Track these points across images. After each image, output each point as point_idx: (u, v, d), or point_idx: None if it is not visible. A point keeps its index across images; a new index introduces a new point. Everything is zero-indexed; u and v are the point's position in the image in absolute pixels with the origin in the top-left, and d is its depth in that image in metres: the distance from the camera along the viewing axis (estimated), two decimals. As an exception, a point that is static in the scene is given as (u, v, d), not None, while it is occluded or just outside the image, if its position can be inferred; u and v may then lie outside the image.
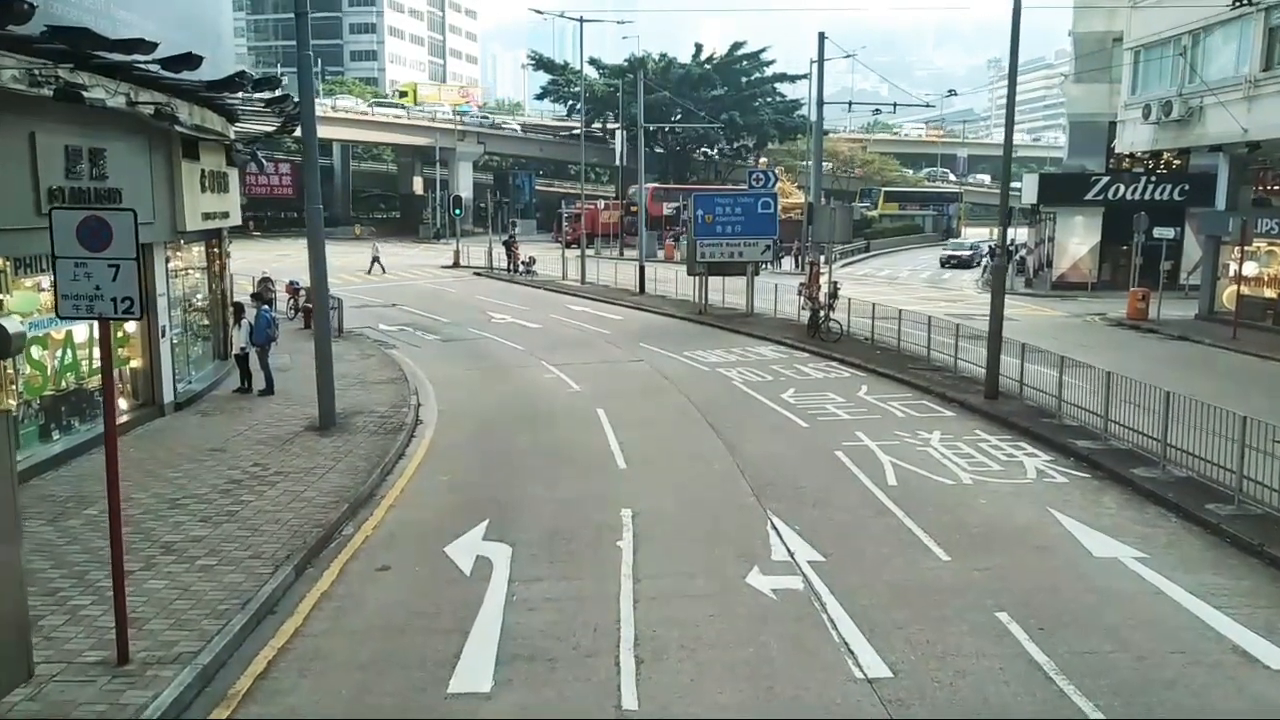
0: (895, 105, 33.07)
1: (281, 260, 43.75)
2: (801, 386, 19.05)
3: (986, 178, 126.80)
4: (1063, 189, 40.42)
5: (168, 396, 16.20)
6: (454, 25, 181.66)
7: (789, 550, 10.13)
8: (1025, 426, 15.38)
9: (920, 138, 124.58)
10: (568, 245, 70.43)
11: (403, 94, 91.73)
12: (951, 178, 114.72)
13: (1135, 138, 29.58)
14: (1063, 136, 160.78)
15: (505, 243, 45.58)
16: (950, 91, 48.48)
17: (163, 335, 15.95)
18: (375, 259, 45.79)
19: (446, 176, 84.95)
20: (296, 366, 20.84)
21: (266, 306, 17.51)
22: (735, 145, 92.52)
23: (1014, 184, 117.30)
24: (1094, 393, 15.08)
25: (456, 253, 49.63)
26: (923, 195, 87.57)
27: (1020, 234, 52.66)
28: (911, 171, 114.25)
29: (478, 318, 30.01)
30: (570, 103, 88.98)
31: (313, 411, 15.68)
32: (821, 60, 31.22)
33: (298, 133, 18.81)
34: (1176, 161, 39.96)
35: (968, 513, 11.41)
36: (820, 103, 30.46)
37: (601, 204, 66.07)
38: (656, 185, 72.38)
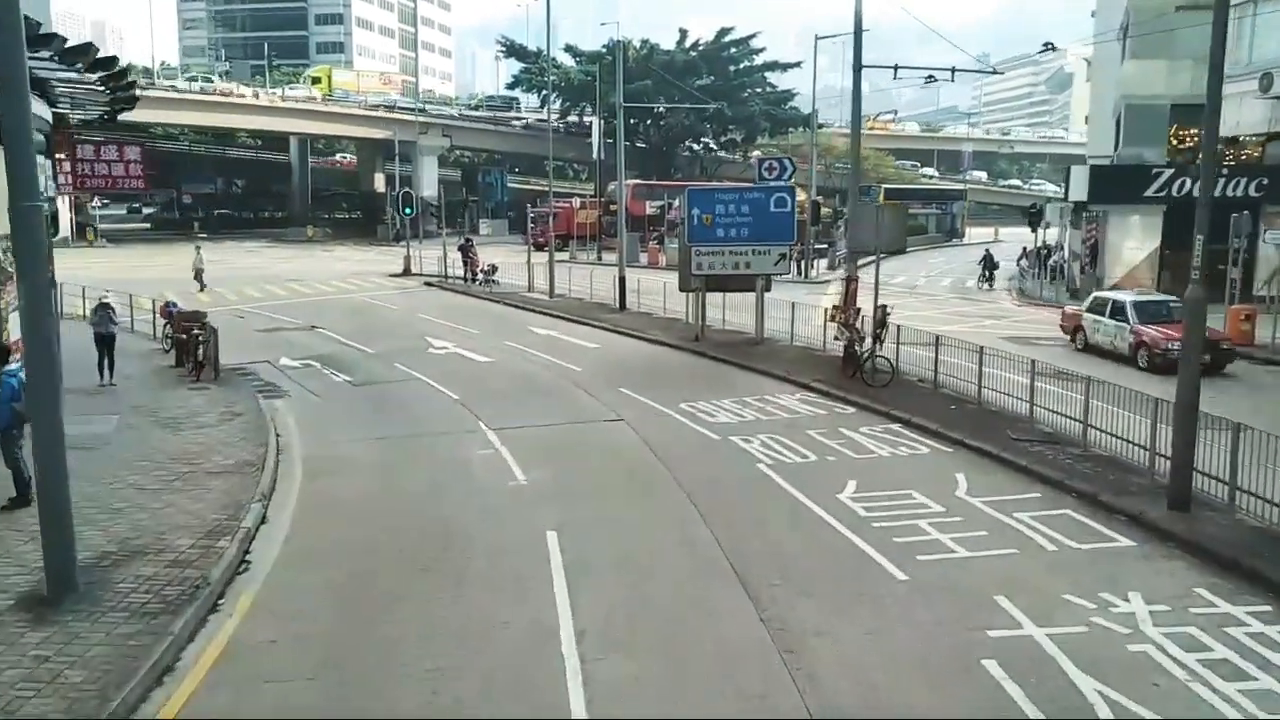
0: (954, 70, 26.04)
1: (212, 267, 36.63)
2: (864, 476, 12.54)
3: (983, 174, 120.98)
4: (1119, 184, 34.21)
5: None
6: (427, 18, 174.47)
7: None
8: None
9: (923, 132, 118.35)
10: (538, 248, 64.33)
11: (315, 80, 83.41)
12: (934, 175, 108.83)
13: (1247, 117, 23.40)
14: (1066, 132, 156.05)
15: (461, 248, 38.89)
16: (993, 71, 41.76)
17: None
18: (198, 271, 35.57)
19: (411, 173, 78.28)
20: (123, 433, 14.21)
21: (13, 365, 10.68)
22: (723, 140, 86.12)
23: (1036, 180, 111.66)
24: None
25: (407, 259, 42.89)
26: (925, 193, 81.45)
27: (1048, 235, 46.51)
28: (909, 167, 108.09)
29: (413, 347, 23.38)
30: (544, 93, 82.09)
31: (82, 541, 9.02)
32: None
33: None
34: (1248, 152, 33.84)
35: None
36: (858, 94, 24.19)
37: (577, 202, 59.48)
38: (638, 182, 65.84)
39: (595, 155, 56.01)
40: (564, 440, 14.81)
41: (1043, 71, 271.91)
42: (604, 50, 72.15)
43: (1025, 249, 46.86)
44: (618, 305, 29.52)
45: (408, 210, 41.33)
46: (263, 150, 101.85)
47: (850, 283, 19.16)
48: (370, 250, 61.60)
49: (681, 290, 24.58)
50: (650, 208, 63.56)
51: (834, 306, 19.15)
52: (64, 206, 59.09)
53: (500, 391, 18.34)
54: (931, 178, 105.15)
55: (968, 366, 17.05)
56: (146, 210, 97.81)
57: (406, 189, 43.82)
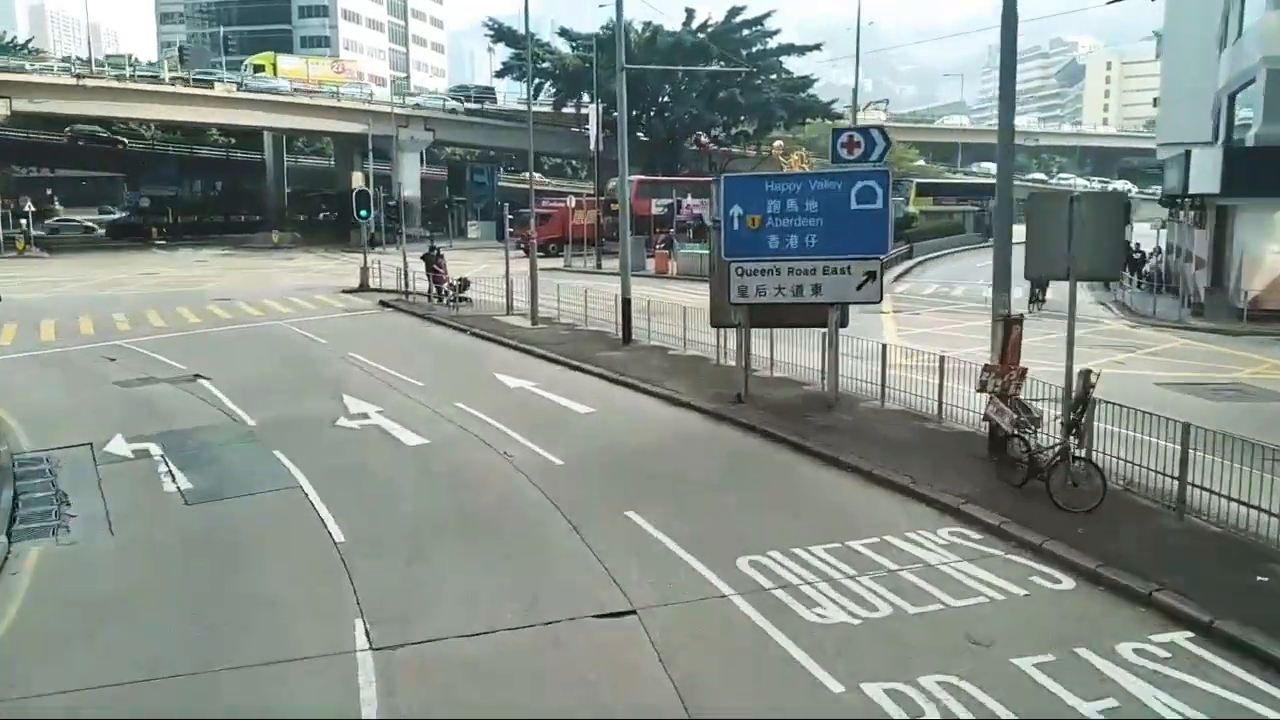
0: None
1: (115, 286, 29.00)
2: None
3: (992, 167, 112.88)
4: (1263, 171, 26.57)
5: None
6: (418, 10, 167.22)
7: None
8: None
9: (961, 126, 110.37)
10: (525, 252, 56.05)
11: (259, 68, 75.31)
12: (986, 170, 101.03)
13: None
14: (1081, 125, 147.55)
15: (425, 257, 31.22)
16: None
17: None
18: None
19: (392, 171, 70.70)
20: None
21: None
22: (734, 131, 78.40)
23: (1063, 175, 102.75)
24: None
25: (364, 271, 35.19)
26: (960, 189, 73.64)
27: (1135, 232, 38.70)
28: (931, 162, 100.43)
29: (317, 414, 15.74)
30: (537, 81, 74.51)
31: None
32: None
33: None
34: None
35: None
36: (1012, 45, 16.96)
37: (573, 201, 51.76)
38: (643, 177, 58.17)
39: (593, 147, 48.26)
40: (519, 690, 7.14)
41: (1053, 65, 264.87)
42: (603, 32, 64.44)
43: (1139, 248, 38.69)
44: (621, 337, 21.84)
45: (363, 213, 33.67)
46: (236, 149, 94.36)
47: (1012, 328, 11.44)
48: (337, 259, 53.95)
49: (715, 326, 16.98)
50: (657, 206, 55.95)
51: (986, 370, 11.43)
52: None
53: (423, 522, 10.69)
54: (986, 174, 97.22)
55: (1224, 466, 9.48)
56: (110, 216, 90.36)
57: (363, 188, 36.08)
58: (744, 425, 14.60)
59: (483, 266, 46.44)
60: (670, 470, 12.60)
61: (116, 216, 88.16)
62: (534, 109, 79.47)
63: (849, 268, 14.98)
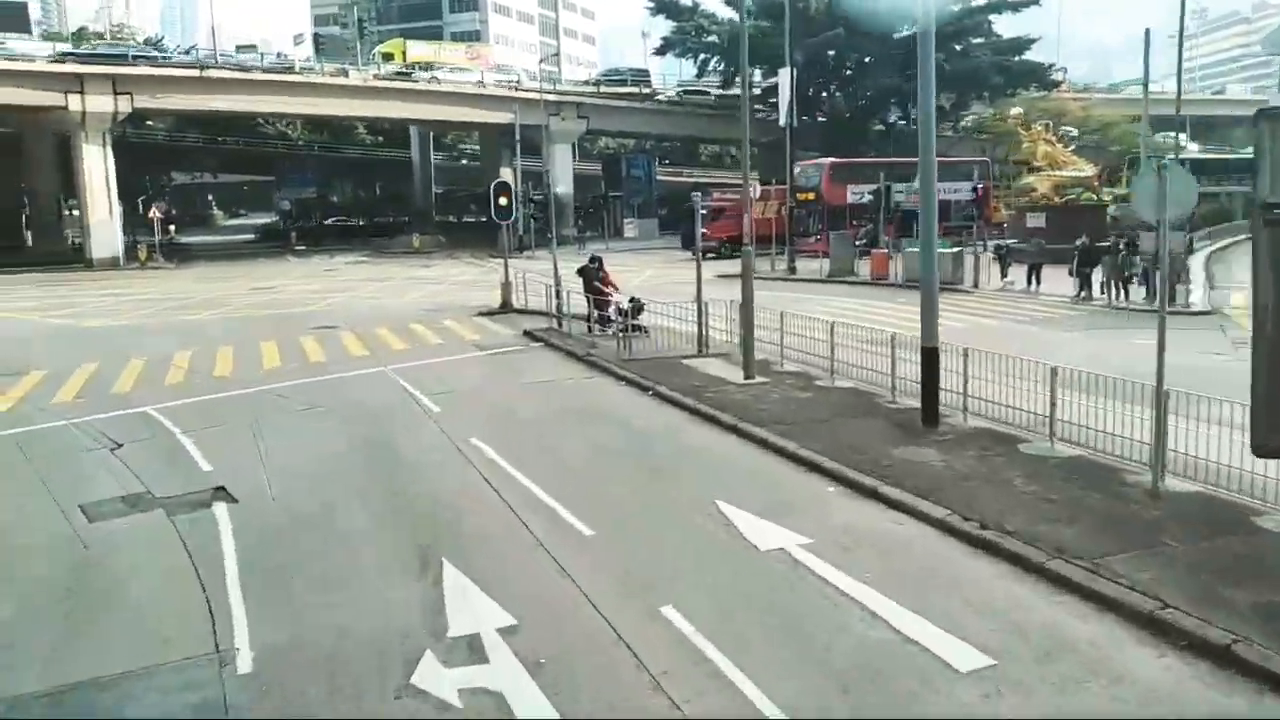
0: None
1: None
2: None
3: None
4: None
5: None
6: (569, 2, 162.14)
7: None
8: None
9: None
10: (706, 254, 46.92)
11: (388, 56, 68.31)
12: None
13: None
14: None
15: (583, 271, 22.95)
16: None
17: None
18: None
19: (542, 166, 63.57)
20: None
21: None
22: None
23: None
24: None
25: (505, 286, 27.33)
26: (1227, 165, 60.28)
27: None
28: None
29: (386, 625, 7.56)
30: (702, 57, 65.84)
31: None
32: None
33: None
34: None
35: None
36: None
37: (758, 190, 42.75)
38: (837, 160, 48.68)
39: (782, 120, 38.91)
40: None
41: (1256, 30, 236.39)
42: (779, -4, 55.04)
43: None
44: (920, 412, 12.68)
45: (503, 211, 25.71)
46: (383, 148, 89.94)
47: None
48: (481, 264, 47.05)
49: (1266, 454, 7.73)
50: (851, 194, 46.49)
51: None
52: (111, 217, 47.23)
53: None
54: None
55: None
56: (261, 221, 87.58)
57: (502, 179, 28.14)
58: None
59: (649, 273, 38.29)
60: None
61: (264, 223, 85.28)
62: (697, 90, 71.36)
63: None
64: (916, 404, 13.30)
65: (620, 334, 19.95)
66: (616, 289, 22.82)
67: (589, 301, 22.45)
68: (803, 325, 17.28)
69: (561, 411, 15.00)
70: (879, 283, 32.27)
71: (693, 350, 18.94)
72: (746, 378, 16.10)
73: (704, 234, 48.85)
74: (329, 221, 77.42)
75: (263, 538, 9.78)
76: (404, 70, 60.10)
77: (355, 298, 33.24)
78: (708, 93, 67.21)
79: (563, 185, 61.34)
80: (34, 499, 11.39)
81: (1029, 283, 28.73)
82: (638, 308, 20.73)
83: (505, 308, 27.18)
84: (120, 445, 13.63)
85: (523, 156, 56.96)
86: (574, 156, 71.67)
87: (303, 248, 65.23)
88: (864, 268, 34.27)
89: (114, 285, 39.75)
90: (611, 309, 21.94)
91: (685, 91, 67.89)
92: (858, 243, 38.96)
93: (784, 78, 38.73)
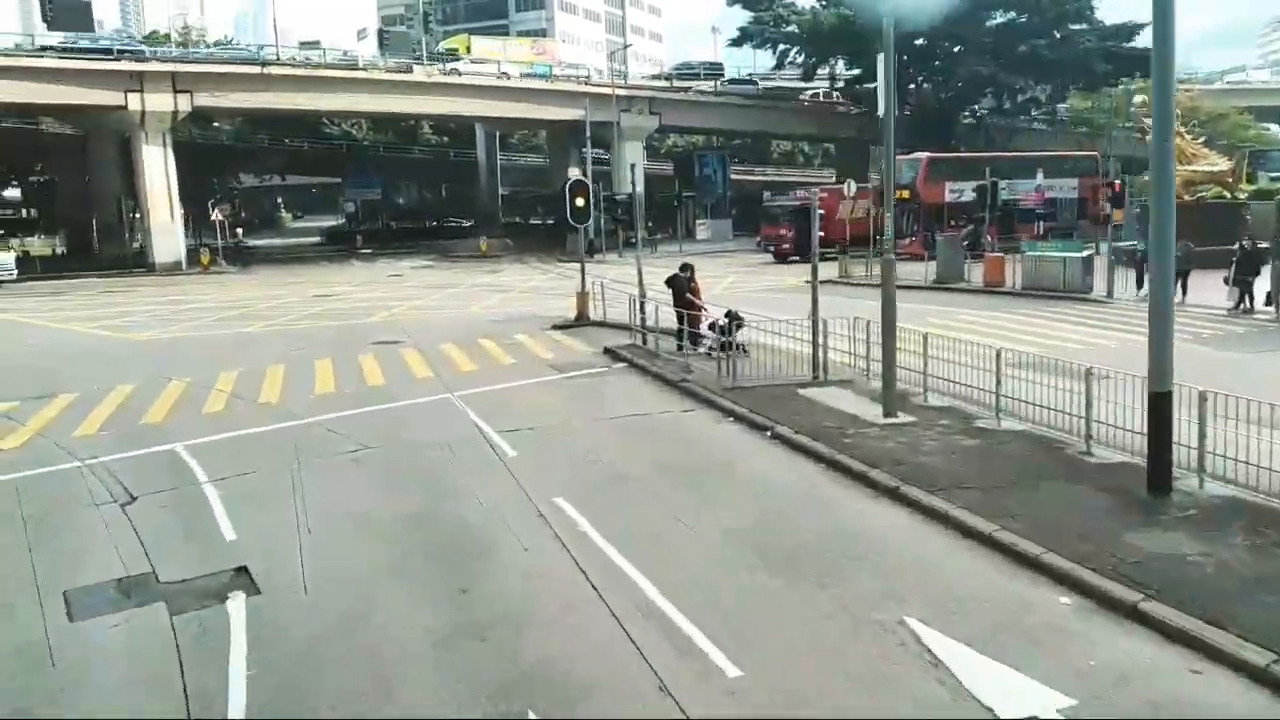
0: None
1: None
2: None
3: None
4: None
5: None
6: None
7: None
8: None
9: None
10: (778, 258, 44.93)
11: (451, 52, 66.54)
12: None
13: None
14: None
15: (672, 281, 20.06)
16: None
17: None
18: None
19: (611, 165, 60.98)
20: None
21: None
22: (1022, 99, 63.34)
23: None
24: None
25: (582, 297, 24.63)
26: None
27: None
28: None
29: None
30: (781, 48, 62.57)
31: None
32: None
33: None
34: None
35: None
36: None
37: (852, 188, 39.63)
38: (933, 155, 45.12)
39: (880, 108, 35.68)
40: None
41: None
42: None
43: None
44: (1148, 483, 9.54)
45: (580, 214, 23.06)
46: (450, 148, 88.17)
47: None
48: (550, 270, 44.66)
49: None
50: (949, 192, 43.08)
51: None
52: (173, 220, 45.90)
53: None
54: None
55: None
56: (327, 224, 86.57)
57: (579, 178, 25.44)
58: None
59: (730, 279, 35.43)
60: None
61: (336, 224, 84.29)
62: (775, 85, 68.11)
63: None
64: (1118, 457, 10.40)
65: (718, 354, 17.10)
66: (700, 299, 20.03)
67: (679, 317, 19.61)
68: (946, 347, 14.23)
69: (665, 464, 12.13)
70: (994, 290, 28.92)
71: (806, 376, 16.00)
72: (887, 415, 13.13)
73: (782, 234, 45.80)
74: (394, 224, 75.95)
75: (284, 660, 7.19)
76: (473, 61, 58.07)
77: (420, 307, 30.96)
78: (786, 88, 64.15)
79: (637, 184, 58.58)
80: (11, 580, 9.00)
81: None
82: (738, 322, 17.83)
83: (581, 319, 24.52)
84: (134, 499, 11.25)
85: (592, 155, 54.49)
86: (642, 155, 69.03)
87: (368, 251, 63.73)
88: (975, 273, 30.90)
89: (172, 291, 38.19)
90: (705, 324, 19.18)
91: (767, 86, 64.80)
92: (971, 241, 35.73)
93: (880, 64, 35.32)
